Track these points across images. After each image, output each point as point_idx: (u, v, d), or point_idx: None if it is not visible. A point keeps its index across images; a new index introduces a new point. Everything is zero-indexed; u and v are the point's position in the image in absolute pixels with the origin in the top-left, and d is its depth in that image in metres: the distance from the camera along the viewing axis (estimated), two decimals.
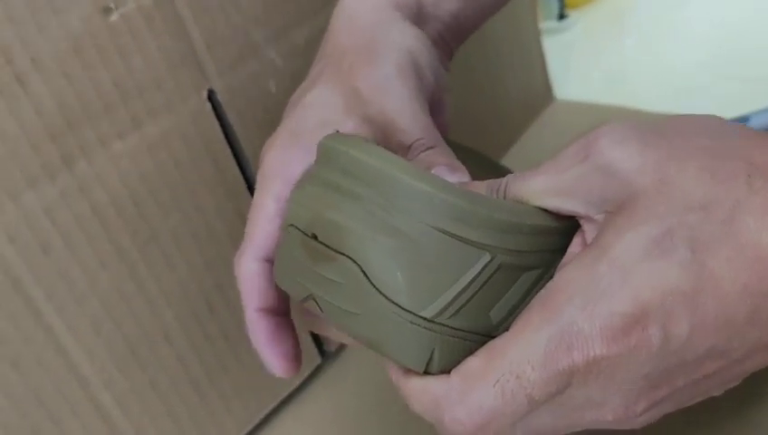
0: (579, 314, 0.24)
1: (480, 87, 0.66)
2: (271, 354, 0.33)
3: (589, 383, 0.24)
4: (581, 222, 0.27)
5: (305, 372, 0.51)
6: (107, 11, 0.38)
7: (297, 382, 0.51)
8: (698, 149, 0.25)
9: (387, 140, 0.33)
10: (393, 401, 0.48)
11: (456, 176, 0.31)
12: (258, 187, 0.34)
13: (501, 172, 0.40)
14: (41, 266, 0.37)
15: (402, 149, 0.32)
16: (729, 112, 0.59)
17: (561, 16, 1.02)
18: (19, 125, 0.35)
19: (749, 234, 0.23)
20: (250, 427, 0.49)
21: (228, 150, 0.44)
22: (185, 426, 0.45)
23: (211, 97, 0.43)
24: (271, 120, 0.46)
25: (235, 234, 0.45)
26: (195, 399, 0.45)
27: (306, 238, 0.28)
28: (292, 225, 0.29)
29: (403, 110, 0.33)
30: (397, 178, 0.26)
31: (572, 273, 0.25)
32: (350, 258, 0.26)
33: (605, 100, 0.74)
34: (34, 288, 0.37)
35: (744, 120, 0.57)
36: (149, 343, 0.42)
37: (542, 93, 0.76)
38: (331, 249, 0.27)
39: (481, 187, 0.29)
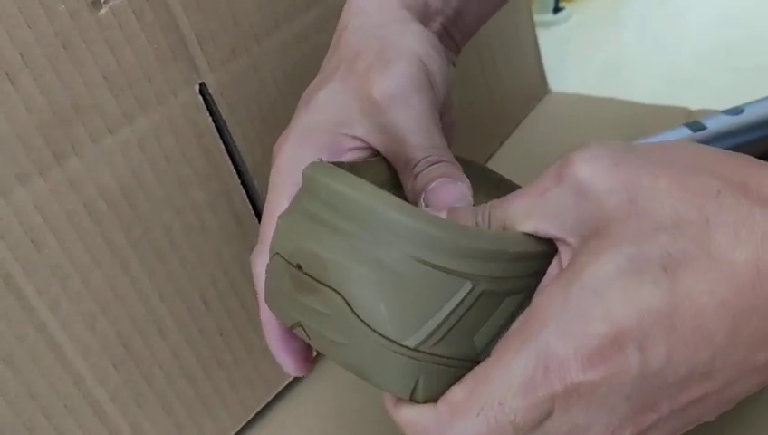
0: (554, 338, 0.24)
1: (476, 80, 0.66)
2: (283, 353, 0.34)
3: (571, 408, 0.24)
4: (558, 245, 0.27)
5: None
6: (96, 4, 0.38)
7: (291, 377, 0.51)
8: (669, 167, 0.25)
9: (397, 151, 0.33)
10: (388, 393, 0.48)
11: (457, 186, 0.31)
12: (272, 185, 0.34)
13: (504, 186, 0.40)
14: (33, 263, 0.37)
15: (410, 163, 0.33)
16: (724, 103, 0.59)
17: (557, 9, 1.02)
18: (9, 121, 0.35)
19: (721, 250, 0.23)
20: (246, 420, 0.49)
21: (221, 144, 0.44)
22: (181, 420, 0.45)
23: (203, 91, 0.43)
24: (263, 114, 0.46)
25: (229, 228, 0.45)
26: (190, 393, 0.45)
27: (291, 268, 0.28)
28: (278, 253, 0.30)
29: (417, 126, 0.33)
30: (378, 211, 0.26)
31: (547, 297, 0.25)
32: (335, 290, 0.27)
33: (600, 92, 0.74)
34: (26, 285, 0.37)
35: (738, 111, 0.56)
36: (144, 338, 0.42)
37: (538, 85, 0.76)
38: (316, 281, 0.27)
39: (467, 213, 0.29)
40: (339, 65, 0.36)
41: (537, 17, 0.77)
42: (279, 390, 0.50)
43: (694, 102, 0.67)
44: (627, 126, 0.65)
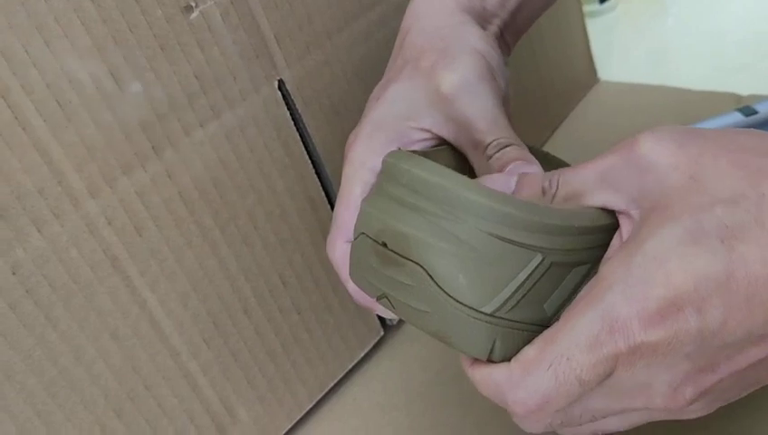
0: (618, 300, 0.26)
1: (526, 70, 0.68)
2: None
3: (633, 366, 0.26)
4: (620, 218, 0.29)
5: (369, 344, 0.55)
6: (188, 9, 0.41)
7: (362, 353, 0.54)
8: (729, 149, 0.27)
9: (466, 137, 0.36)
10: (453, 369, 0.51)
11: (531, 168, 0.34)
12: (345, 176, 0.37)
13: (562, 167, 0.42)
14: (135, 246, 0.41)
15: (481, 146, 0.35)
16: None
17: None
18: (115, 117, 0.39)
19: None
20: (321, 394, 0.52)
21: (297, 136, 0.47)
22: (263, 393, 0.48)
23: (281, 86, 0.46)
24: (334, 107, 0.49)
25: (305, 213, 0.48)
26: (271, 368, 0.48)
27: (377, 246, 0.31)
28: (363, 233, 0.33)
29: (484, 113, 0.36)
30: (455, 193, 0.29)
31: (611, 266, 0.27)
32: (418, 264, 0.30)
33: (648, 80, 0.76)
34: (130, 266, 0.41)
35: None
36: (230, 315, 0.46)
37: (587, 75, 0.77)
38: (400, 256, 0.30)
39: (536, 178, 0.32)
40: (404, 65, 0.38)
41: (584, 7, 0.78)
42: (351, 365, 0.54)
43: (742, 88, 0.68)
44: (677, 113, 0.66)
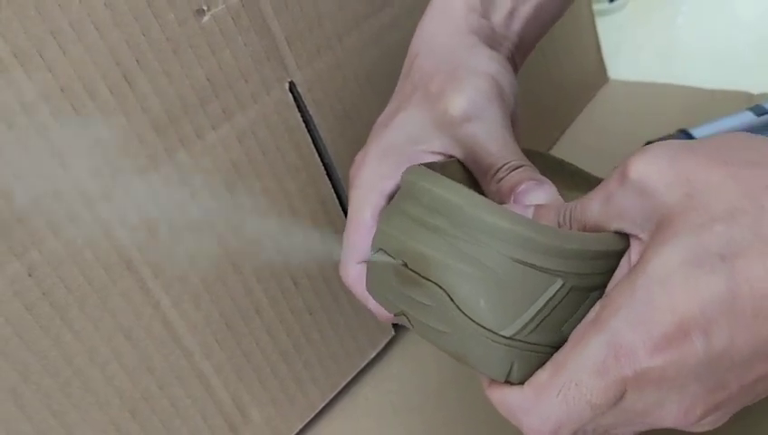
0: (623, 326, 0.26)
1: (537, 70, 0.68)
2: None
3: (643, 390, 0.26)
4: (631, 241, 0.29)
5: (381, 344, 0.55)
6: (200, 12, 0.41)
7: (374, 353, 0.54)
8: (724, 162, 0.27)
9: (476, 161, 0.36)
10: (466, 370, 0.51)
11: (545, 188, 0.34)
12: (354, 199, 0.37)
13: (579, 176, 0.43)
14: (149, 248, 0.41)
15: (491, 170, 0.35)
16: None
17: None
18: (128, 120, 0.39)
19: None
20: (333, 394, 0.52)
21: (308, 139, 0.47)
22: (274, 393, 0.49)
23: (292, 89, 0.46)
24: (346, 110, 0.49)
25: (317, 215, 0.49)
26: (283, 368, 0.49)
27: (396, 265, 0.32)
28: (381, 249, 0.33)
29: (493, 136, 0.36)
30: (478, 216, 0.29)
31: (617, 290, 0.27)
32: (438, 285, 0.30)
33: (658, 79, 0.76)
34: (144, 268, 0.41)
35: None
36: (243, 316, 0.46)
37: (597, 74, 0.77)
38: (420, 276, 0.30)
39: (551, 211, 0.32)
40: (414, 91, 0.38)
41: (593, 6, 0.78)
42: (363, 365, 0.54)
43: (753, 87, 0.68)
44: (688, 112, 0.66)
